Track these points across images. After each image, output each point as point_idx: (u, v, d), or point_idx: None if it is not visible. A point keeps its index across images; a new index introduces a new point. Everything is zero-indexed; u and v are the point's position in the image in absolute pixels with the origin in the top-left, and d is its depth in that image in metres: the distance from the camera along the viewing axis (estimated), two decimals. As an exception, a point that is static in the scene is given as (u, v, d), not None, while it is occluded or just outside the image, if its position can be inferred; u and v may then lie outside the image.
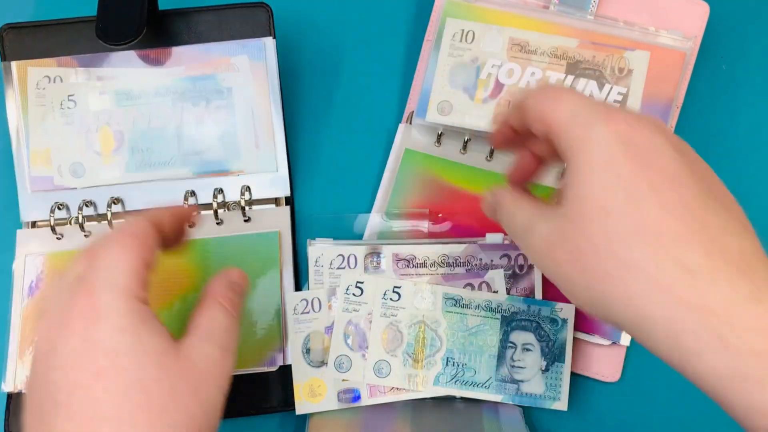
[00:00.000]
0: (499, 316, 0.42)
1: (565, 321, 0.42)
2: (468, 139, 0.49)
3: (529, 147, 0.36)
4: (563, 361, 0.45)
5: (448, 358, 0.43)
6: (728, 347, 0.25)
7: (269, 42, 0.50)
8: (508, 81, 0.48)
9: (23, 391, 0.39)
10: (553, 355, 0.45)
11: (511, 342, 0.43)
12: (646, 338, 0.28)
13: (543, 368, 0.43)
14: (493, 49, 0.49)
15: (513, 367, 0.44)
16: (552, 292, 0.47)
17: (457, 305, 0.42)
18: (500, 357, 0.43)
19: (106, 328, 0.29)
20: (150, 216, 0.34)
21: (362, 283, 0.40)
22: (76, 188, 0.50)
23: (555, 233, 0.30)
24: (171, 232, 0.36)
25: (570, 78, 0.48)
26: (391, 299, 0.41)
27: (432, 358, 0.43)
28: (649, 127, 0.29)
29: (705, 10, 0.49)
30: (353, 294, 0.41)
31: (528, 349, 0.43)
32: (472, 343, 0.43)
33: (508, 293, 0.47)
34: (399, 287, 0.42)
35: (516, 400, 0.44)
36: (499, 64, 0.48)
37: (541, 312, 0.41)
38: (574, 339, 0.47)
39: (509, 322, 0.42)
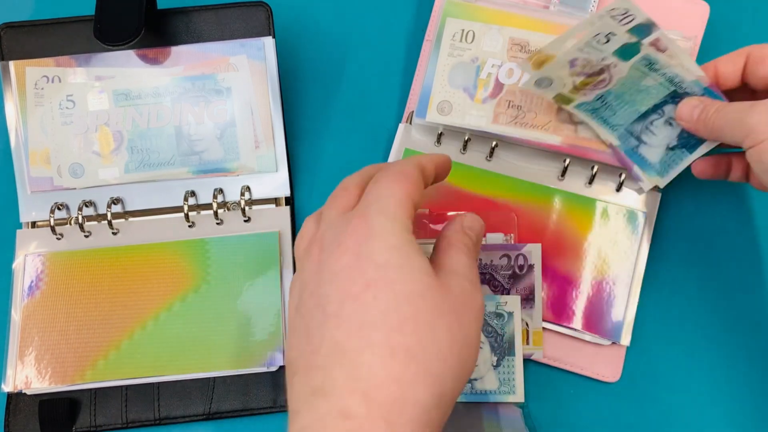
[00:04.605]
0: None
1: (510, 314, 0.42)
2: (468, 139, 0.49)
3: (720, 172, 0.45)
4: (513, 354, 0.45)
5: None
6: None
7: (269, 42, 0.50)
8: (508, 81, 0.48)
9: (288, 317, 0.38)
10: (502, 349, 0.45)
11: None
12: None
13: (494, 364, 0.43)
14: (493, 49, 0.49)
15: None
16: (553, 298, 0.47)
17: None
18: None
19: (378, 245, 0.31)
20: (415, 159, 0.36)
21: None
22: (75, 188, 0.50)
23: None
24: (431, 176, 0.37)
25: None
26: None
27: None
28: None
29: (705, 9, 0.49)
30: None
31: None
32: None
33: (508, 293, 0.47)
34: None
35: (471, 399, 0.44)
36: (499, 64, 0.48)
37: (486, 308, 0.41)
38: (575, 339, 0.48)
39: None
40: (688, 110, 0.43)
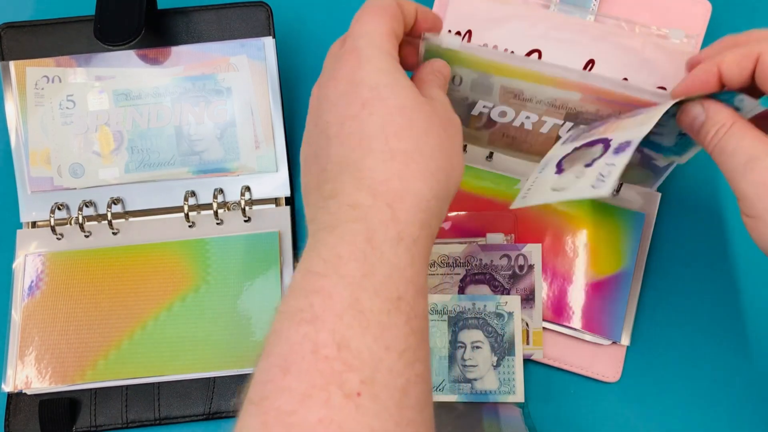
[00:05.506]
0: (446, 317, 0.43)
1: (510, 314, 0.43)
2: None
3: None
4: (513, 354, 0.45)
5: None
6: None
7: (269, 42, 0.50)
8: (502, 120, 0.44)
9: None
10: (502, 349, 0.45)
11: (461, 342, 0.44)
12: None
13: (494, 364, 0.43)
14: (485, 94, 0.42)
15: (465, 366, 0.44)
16: (553, 298, 0.47)
17: None
18: (451, 357, 0.44)
19: (369, 69, 0.34)
20: None
21: None
22: (75, 188, 0.50)
23: None
24: (411, 16, 0.38)
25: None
26: None
27: None
28: None
29: (707, 9, 0.49)
30: None
31: (477, 347, 0.44)
32: None
33: (508, 293, 0.47)
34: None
35: (471, 399, 0.45)
36: (491, 106, 0.43)
37: (487, 308, 0.42)
38: (575, 339, 0.48)
39: (456, 322, 0.43)
40: (689, 120, 0.38)
